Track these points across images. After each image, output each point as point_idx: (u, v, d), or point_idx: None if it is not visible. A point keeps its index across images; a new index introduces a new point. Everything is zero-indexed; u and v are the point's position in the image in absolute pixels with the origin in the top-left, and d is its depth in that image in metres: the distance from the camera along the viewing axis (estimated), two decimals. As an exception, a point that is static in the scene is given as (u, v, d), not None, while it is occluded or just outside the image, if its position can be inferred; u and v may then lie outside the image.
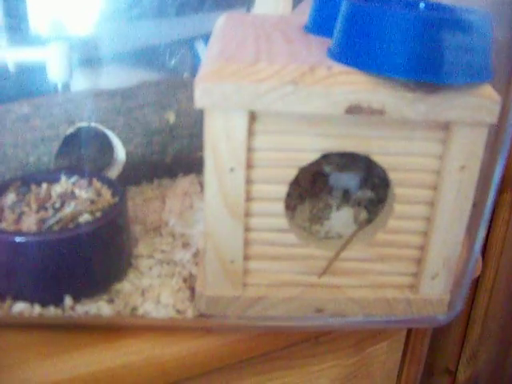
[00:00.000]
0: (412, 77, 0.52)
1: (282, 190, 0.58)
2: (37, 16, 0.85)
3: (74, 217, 0.61)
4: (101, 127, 0.75)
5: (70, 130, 0.73)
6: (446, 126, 0.56)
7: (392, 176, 0.58)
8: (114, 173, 0.76)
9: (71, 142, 0.74)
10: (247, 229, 0.59)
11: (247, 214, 0.58)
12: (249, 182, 0.57)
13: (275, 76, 0.53)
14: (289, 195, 0.66)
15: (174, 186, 0.79)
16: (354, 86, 0.53)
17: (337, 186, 0.68)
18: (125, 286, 0.64)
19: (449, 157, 0.56)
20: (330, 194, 0.68)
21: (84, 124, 0.74)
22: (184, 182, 0.79)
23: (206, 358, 0.63)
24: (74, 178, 0.67)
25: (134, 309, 0.62)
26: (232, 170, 0.56)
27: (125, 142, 0.76)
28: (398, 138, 0.56)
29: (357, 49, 0.53)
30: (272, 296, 0.62)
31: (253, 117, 0.54)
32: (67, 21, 0.87)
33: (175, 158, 0.79)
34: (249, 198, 0.58)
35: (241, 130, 0.54)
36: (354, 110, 0.53)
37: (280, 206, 0.59)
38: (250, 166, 0.56)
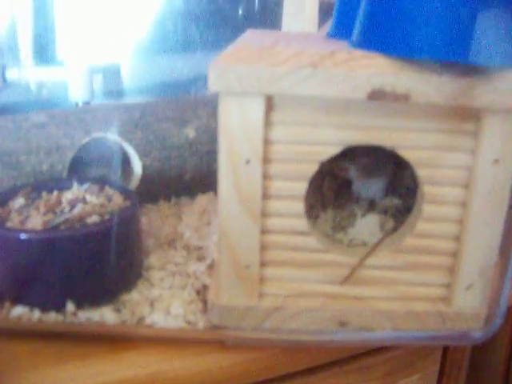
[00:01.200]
0: (440, 57, 0.48)
1: (302, 187, 0.54)
2: (65, 40, 0.86)
3: (81, 218, 0.58)
4: (117, 139, 0.72)
5: (86, 140, 0.71)
6: (477, 116, 0.52)
7: (420, 172, 0.54)
8: (130, 187, 0.74)
9: (87, 152, 0.71)
10: (264, 230, 0.55)
11: (264, 214, 0.54)
12: (266, 177, 0.53)
13: (293, 59, 0.50)
14: (311, 206, 0.62)
15: (193, 204, 0.76)
16: (377, 68, 0.49)
17: (362, 194, 0.64)
18: (133, 295, 0.60)
19: (481, 150, 0.52)
20: (354, 202, 0.64)
21: (100, 135, 0.72)
22: (202, 200, 0.76)
23: (218, 375, 0.57)
24: (86, 185, 0.65)
25: (142, 319, 0.58)
26: (248, 162, 0.52)
27: (142, 155, 0.73)
28: (426, 130, 0.53)
29: (380, 31, 0.50)
30: (291, 307, 0.57)
31: (270, 105, 0.51)
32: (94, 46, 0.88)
33: (194, 174, 0.76)
34: (266, 196, 0.54)
35: (257, 118, 0.51)
36: (376, 94, 0.50)
37: (299, 206, 0.54)
38: (267, 159, 0.53)
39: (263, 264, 0.56)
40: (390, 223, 0.61)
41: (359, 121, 0.52)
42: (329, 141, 0.53)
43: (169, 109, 0.77)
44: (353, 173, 0.63)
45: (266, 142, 0.52)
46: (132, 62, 0.94)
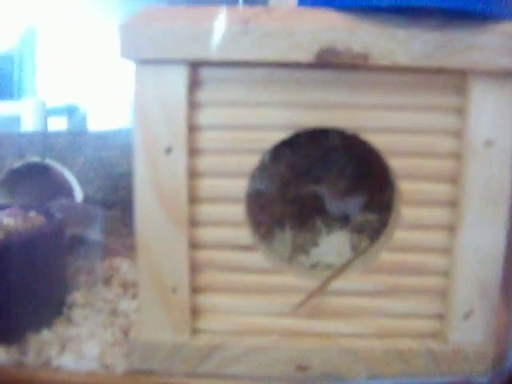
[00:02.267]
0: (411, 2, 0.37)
1: (241, 185, 0.42)
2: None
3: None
4: (55, 164, 0.62)
5: (18, 164, 0.61)
6: (460, 85, 0.40)
7: (393, 164, 0.42)
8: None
9: (20, 176, 0.61)
10: (193, 244, 0.43)
11: (193, 222, 0.42)
12: (193, 172, 0.42)
13: (220, 16, 0.39)
14: (261, 223, 0.50)
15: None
16: (326, 22, 0.39)
17: (335, 213, 0.51)
18: (44, 335, 0.48)
19: (468, 129, 0.40)
20: (319, 216, 0.51)
21: (35, 159, 0.62)
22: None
23: None
24: (8, 210, 0.54)
25: (48, 361, 0.45)
26: (169, 151, 0.41)
27: (83, 184, 0.62)
28: (397, 108, 0.41)
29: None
30: (233, 345, 0.44)
31: (195, 80, 0.41)
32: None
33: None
34: (194, 198, 0.42)
35: (179, 94, 0.40)
36: (326, 54, 0.39)
37: (239, 210, 0.42)
38: (194, 150, 0.41)
39: (195, 288, 0.43)
40: (365, 243, 0.48)
41: (310, 97, 0.41)
42: (273, 124, 0.41)
43: (124, 137, 0.67)
44: (324, 195, 0.51)
45: (193, 127, 0.41)
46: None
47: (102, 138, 0.66)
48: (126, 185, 0.63)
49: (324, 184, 0.50)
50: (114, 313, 0.51)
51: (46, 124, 0.77)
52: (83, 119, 0.77)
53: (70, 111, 0.77)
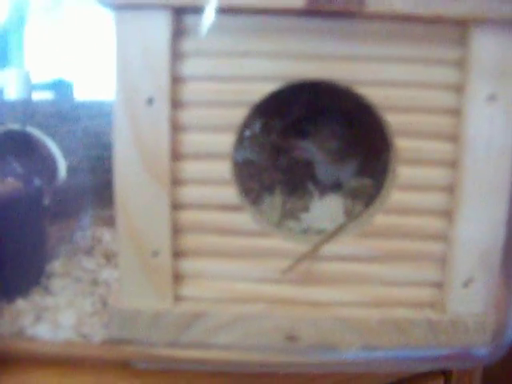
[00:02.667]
0: None
1: (228, 140, 0.39)
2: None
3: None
4: (37, 133, 0.59)
5: (-2, 131, 0.58)
6: (461, 36, 0.38)
7: (390, 119, 0.39)
8: (53, 193, 0.60)
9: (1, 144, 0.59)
10: (176, 204, 0.40)
11: (176, 180, 0.40)
12: (176, 126, 0.39)
13: (205, -42, 0.37)
14: (249, 190, 0.47)
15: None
16: (318, -38, 0.36)
17: (327, 179, 0.49)
18: (19, 304, 0.45)
19: (469, 83, 0.38)
20: (311, 181, 0.48)
21: (15, 127, 0.59)
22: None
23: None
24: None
25: (21, 330, 0.42)
26: (150, 101, 0.38)
27: (67, 154, 0.60)
28: (394, 59, 0.38)
29: None
30: (219, 313, 0.41)
31: (180, 28, 0.38)
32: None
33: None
34: (177, 154, 0.39)
35: (162, 41, 0.38)
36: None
37: (225, 168, 0.40)
38: (178, 102, 0.39)
39: (178, 252, 0.41)
40: (359, 208, 0.46)
41: (301, 47, 0.38)
42: (261, 75, 0.39)
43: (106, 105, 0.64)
44: (316, 156, 0.49)
45: (176, 78, 0.39)
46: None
47: (88, 107, 0.63)
48: (111, 155, 0.61)
49: (315, 142, 0.47)
50: (95, 282, 0.49)
51: (29, 95, 0.74)
52: (70, 93, 0.74)
53: (58, 86, 0.74)
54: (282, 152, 0.49)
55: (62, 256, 0.52)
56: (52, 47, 0.77)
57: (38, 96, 0.74)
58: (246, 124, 0.52)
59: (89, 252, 0.54)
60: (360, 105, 0.40)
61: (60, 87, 0.74)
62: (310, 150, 0.48)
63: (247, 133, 0.52)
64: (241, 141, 0.52)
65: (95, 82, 0.73)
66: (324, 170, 0.49)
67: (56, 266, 0.50)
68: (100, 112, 0.61)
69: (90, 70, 0.74)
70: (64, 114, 0.62)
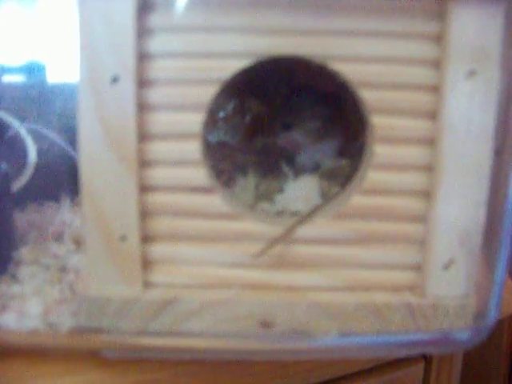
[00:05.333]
0: None
1: (197, 119, 0.38)
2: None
3: None
4: (5, 116, 0.57)
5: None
6: (440, 11, 0.36)
7: (365, 96, 0.37)
8: (23, 178, 0.58)
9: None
10: (144, 186, 0.38)
11: (143, 161, 0.38)
12: (143, 105, 0.37)
13: None
14: (222, 171, 0.46)
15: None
16: None
17: (303, 157, 0.47)
18: (-17, 293, 0.43)
19: (449, 58, 0.36)
20: (286, 161, 0.47)
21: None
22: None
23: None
24: None
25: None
26: (115, 80, 0.36)
27: (36, 137, 0.58)
28: (370, 33, 0.37)
29: None
30: (190, 300, 0.40)
31: (146, 3, 0.36)
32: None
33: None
34: (144, 134, 0.38)
35: (126, 16, 0.36)
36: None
37: (194, 148, 0.38)
38: (144, 80, 0.37)
39: (146, 237, 0.39)
40: (335, 190, 0.44)
41: (272, 21, 0.37)
42: (231, 51, 0.37)
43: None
44: (298, 139, 0.47)
45: (143, 55, 0.37)
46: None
47: (60, 90, 0.61)
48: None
49: (298, 125, 0.45)
50: (64, 269, 0.47)
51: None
52: (43, 76, 0.72)
53: (30, 69, 0.72)
54: (258, 133, 0.48)
55: (31, 242, 0.50)
56: (24, 29, 0.75)
57: (9, 79, 0.71)
58: (221, 104, 0.51)
59: (59, 238, 0.52)
60: (338, 83, 0.38)
61: (32, 70, 0.72)
62: (294, 135, 0.47)
63: (221, 113, 0.50)
64: (215, 122, 0.50)
65: (70, 65, 0.72)
66: (302, 151, 0.47)
67: (24, 252, 0.48)
68: (73, 95, 0.60)
69: (64, 52, 0.72)
70: (35, 97, 0.60)
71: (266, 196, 0.44)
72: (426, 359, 0.53)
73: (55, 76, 0.71)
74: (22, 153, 0.58)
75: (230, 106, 0.50)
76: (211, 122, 0.50)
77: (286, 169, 0.46)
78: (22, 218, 0.53)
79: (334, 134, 0.47)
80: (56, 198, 0.56)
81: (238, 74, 0.37)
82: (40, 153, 0.58)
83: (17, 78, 0.71)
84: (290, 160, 0.47)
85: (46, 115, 0.59)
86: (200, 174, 0.38)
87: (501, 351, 0.72)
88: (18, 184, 0.55)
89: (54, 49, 0.72)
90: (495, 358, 0.73)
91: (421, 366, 0.53)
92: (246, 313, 0.40)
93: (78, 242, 0.51)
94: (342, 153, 0.47)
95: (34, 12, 0.74)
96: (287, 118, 0.46)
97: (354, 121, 0.44)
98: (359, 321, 0.40)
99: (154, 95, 0.37)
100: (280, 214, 0.43)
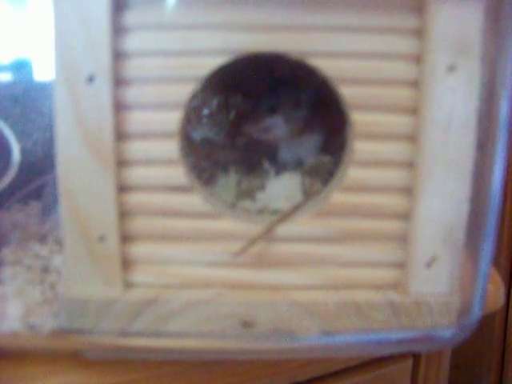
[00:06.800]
0: None
1: (174, 118, 0.37)
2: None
3: None
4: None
5: None
6: (420, 5, 0.36)
7: (344, 92, 0.37)
8: (6, 178, 0.57)
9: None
10: (122, 186, 0.38)
11: (121, 161, 0.38)
12: (119, 105, 0.37)
13: None
14: (203, 169, 0.45)
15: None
16: None
17: (284, 154, 0.47)
18: (-38, 296, 0.43)
19: (429, 53, 0.36)
20: (267, 159, 0.46)
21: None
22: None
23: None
24: None
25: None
26: (91, 79, 0.36)
27: (19, 136, 0.57)
28: (349, 28, 0.36)
29: None
30: (170, 300, 0.39)
31: (122, 1, 0.36)
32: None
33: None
34: (121, 133, 0.37)
35: (101, 14, 0.35)
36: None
37: (172, 147, 0.38)
38: (120, 79, 0.37)
39: (125, 237, 0.39)
40: (317, 187, 0.44)
41: (250, 17, 0.36)
42: (209, 49, 0.37)
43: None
44: (282, 131, 0.46)
45: (118, 54, 0.36)
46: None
47: (43, 88, 0.61)
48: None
49: (282, 115, 0.45)
50: (46, 270, 0.46)
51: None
52: (30, 74, 0.72)
53: (17, 67, 0.72)
54: (241, 130, 0.47)
55: (14, 243, 0.50)
56: (11, 26, 0.75)
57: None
58: (205, 101, 0.51)
59: (42, 238, 0.51)
60: (318, 78, 0.38)
61: (19, 68, 0.72)
62: (278, 125, 0.46)
63: (206, 110, 0.50)
64: (199, 119, 0.50)
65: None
66: (285, 148, 0.46)
67: (6, 253, 0.48)
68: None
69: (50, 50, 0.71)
70: (19, 95, 0.59)
71: (248, 194, 0.44)
72: (415, 355, 0.53)
73: (44, 74, 0.71)
74: (5, 151, 0.58)
75: (214, 103, 0.50)
76: (195, 119, 0.50)
77: (267, 166, 0.45)
78: (5, 219, 0.52)
79: (316, 130, 0.46)
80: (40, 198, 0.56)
81: (220, 70, 0.37)
82: (24, 152, 0.58)
83: (2, 76, 0.71)
84: (272, 157, 0.46)
85: (31, 114, 0.59)
86: (179, 173, 0.38)
87: (492, 346, 0.72)
88: (1, 184, 0.55)
89: (43, 47, 0.71)
90: (486, 353, 0.73)
91: (409, 362, 0.53)
92: (227, 312, 0.39)
93: (61, 243, 0.50)
94: (324, 149, 0.46)
95: (24, 10, 0.74)
96: (272, 101, 0.45)
97: (336, 116, 0.43)
98: (341, 319, 0.39)
99: (131, 94, 0.37)
100: (261, 211, 0.43)
